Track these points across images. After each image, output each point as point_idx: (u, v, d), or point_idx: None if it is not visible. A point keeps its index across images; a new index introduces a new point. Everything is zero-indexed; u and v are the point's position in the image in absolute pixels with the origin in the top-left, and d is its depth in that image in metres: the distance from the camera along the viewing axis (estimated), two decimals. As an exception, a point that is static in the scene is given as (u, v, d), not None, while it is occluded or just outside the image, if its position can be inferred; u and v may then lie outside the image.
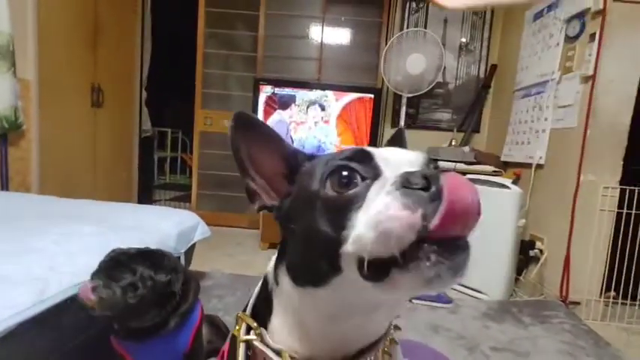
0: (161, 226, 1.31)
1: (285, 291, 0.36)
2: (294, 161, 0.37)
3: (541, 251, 2.03)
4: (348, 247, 0.28)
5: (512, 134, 2.48)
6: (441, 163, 2.54)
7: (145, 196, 3.75)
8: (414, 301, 1.82)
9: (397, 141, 0.48)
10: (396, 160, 0.32)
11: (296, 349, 0.36)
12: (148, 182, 3.98)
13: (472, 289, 2.07)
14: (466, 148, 2.66)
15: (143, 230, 1.23)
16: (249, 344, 0.38)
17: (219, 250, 2.47)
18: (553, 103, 2.05)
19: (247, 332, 0.39)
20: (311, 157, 0.37)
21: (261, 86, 2.79)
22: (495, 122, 2.89)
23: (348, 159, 0.32)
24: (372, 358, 0.35)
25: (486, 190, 2.06)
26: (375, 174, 0.30)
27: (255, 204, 0.38)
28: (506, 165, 2.54)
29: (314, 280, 0.32)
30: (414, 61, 2.58)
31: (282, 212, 0.37)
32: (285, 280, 0.36)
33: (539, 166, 2.15)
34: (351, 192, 0.30)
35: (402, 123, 2.80)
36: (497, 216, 1.99)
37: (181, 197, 4.26)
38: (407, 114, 2.82)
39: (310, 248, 0.32)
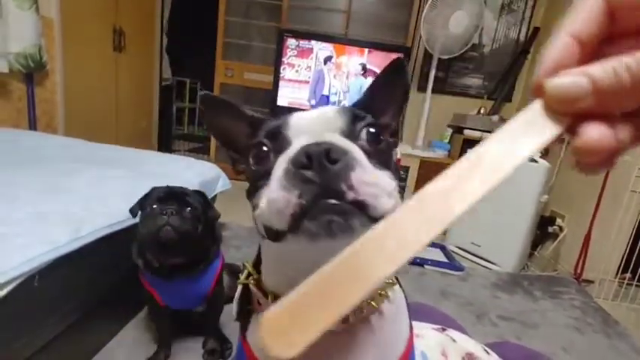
0: (185, 176, 1.33)
1: (263, 242, 0.41)
2: (255, 127, 0.40)
3: (560, 228, 2.00)
4: (256, 212, 0.33)
5: (546, 105, 2.35)
6: (467, 132, 2.46)
7: (165, 145, 3.79)
8: (425, 266, 1.85)
9: (394, 74, 0.40)
10: (308, 128, 0.34)
11: (278, 291, 0.39)
12: (167, 132, 4.00)
13: (484, 259, 2.09)
14: (495, 118, 2.55)
15: (168, 178, 1.24)
16: (247, 287, 0.43)
17: (237, 203, 2.52)
18: (598, 74, 1.90)
19: (248, 278, 0.43)
20: (265, 121, 0.40)
21: (285, 38, 2.67)
22: (530, 91, 2.73)
23: (264, 135, 0.35)
24: (354, 309, 0.37)
25: (512, 163, 1.99)
26: (284, 148, 0.33)
27: (236, 169, 0.44)
28: (535, 138, 2.44)
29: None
30: (456, 19, 2.40)
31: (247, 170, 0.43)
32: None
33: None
34: (261, 168, 0.34)
35: (430, 86, 2.67)
36: (521, 189, 1.95)
37: (200, 149, 4.31)
38: (435, 77, 2.69)
39: (252, 208, 0.37)
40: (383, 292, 0.40)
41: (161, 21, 3.39)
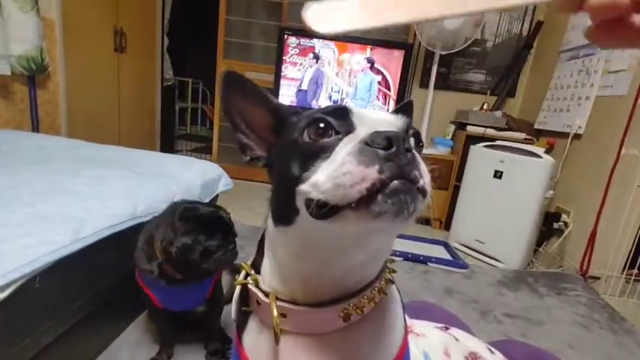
0: (187, 176, 1.33)
1: (269, 232, 0.39)
2: (279, 114, 0.41)
3: (566, 224, 1.98)
4: (303, 187, 0.31)
5: (550, 100, 2.33)
6: (470, 128, 2.44)
7: (167, 146, 3.80)
8: (429, 264, 1.84)
9: (403, 112, 0.46)
10: (372, 120, 0.35)
11: (279, 290, 0.38)
12: (169, 132, 4.01)
13: (489, 256, 2.07)
14: (498, 113, 2.53)
15: (170, 178, 1.24)
16: (245, 287, 0.42)
17: (239, 202, 2.52)
18: (603, 68, 1.88)
19: (246, 278, 0.42)
20: (295, 112, 0.40)
21: (286, 36, 2.66)
22: (533, 87, 2.70)
23: (327, 113, 0.35)
24: (352, 304, 0.37)
25: (516, 159, 1.98)
26: (349, 130, 0.34)
27: (246, 156, 0.43)
28: (539, 133, 2.41)
29: (283, 219, 0.36)
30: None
31: (268, 160, 0.42)
32: (269, 222, 0.39)
33: (576, 136, 2.03)
34: (322, 141, 0.33)
35: (432, 83, 2.65)
36: (525, 185, 1.94)
37: (202, 148, 4.31)
38: (438, 73, 2.66)
39: (281, 188, 0.36)
40: (383, 289, 0.39)
41: (162, 21, 3.39)
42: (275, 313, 0.37)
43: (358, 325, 0.38)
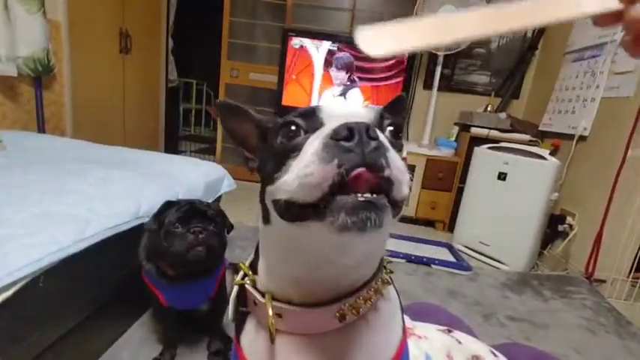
0: (190, 176, 1.33)
1: (261, 233, 0.41)
2: (261, 125, 0.44)
3: (571, 227, 1.96)
4: (270, 188, 0.32)
5: (555, 102, 2.31)
6: (474, 130, 2.42)
7: (171, 146, 3.82)
8: (432, 266, 1.83)
9: (393, 108, 0.47)
10: (341, 115, 0.35)
11: (275, 290, 0.38)
12: (173, 133, 4.03)
13: (493, 258, 2.06)
14: (502, 115, 2.51)
15: (173, 179, 1.25)
16: (243, 288, 0.42)
17: (242, 203, 2.52)
18: (609, 69, 1.86)
19: (243, 279, 0.43)
20: (273, 119, 0.42)
21: (289, 37, 2.66)
22: (537, 88, 2.68)
23: (297, 115, 0.36)
24: (348, 305, 0.37)
25: (521, 160, 1.96)
26: (317, 127, 0.34)
27: (248, 166, 0.46)
28: (543, 135, 2.40)
29: (265, 218, 0.37)
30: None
31: (257, 165, 0.44)
32: (260, 222, 0.40)
33: (581, 138, 2.01)
34: (292, 142, 0.34)
35: (435, 84, 2.65)
36: (530, 187, 1.92)
37: (206, 149, 4.33)
38: (441, 75, 2.66)
39: (262, 190, 0.38)
40: (380, 290, 0.39)
41: (167, 23, 3.41)
42: (270, 312, 0.37)
43: (354, 325, 0.38)
